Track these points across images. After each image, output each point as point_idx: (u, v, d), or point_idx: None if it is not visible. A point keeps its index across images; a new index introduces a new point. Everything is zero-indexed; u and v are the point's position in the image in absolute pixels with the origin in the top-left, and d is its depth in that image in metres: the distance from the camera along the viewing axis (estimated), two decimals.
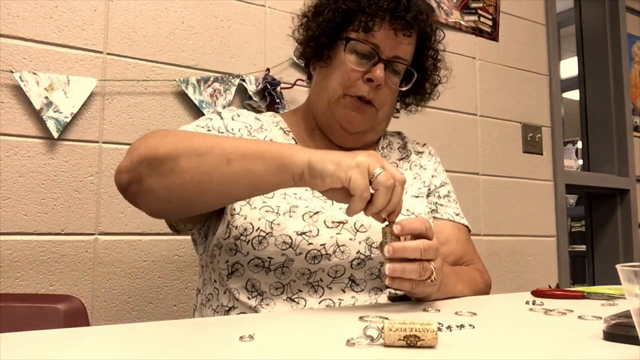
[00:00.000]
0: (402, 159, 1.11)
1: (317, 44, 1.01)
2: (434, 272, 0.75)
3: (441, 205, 1.08)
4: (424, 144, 1.17)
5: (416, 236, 0.75)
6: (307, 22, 1.04)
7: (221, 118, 1.00)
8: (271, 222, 0.87)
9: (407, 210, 0.98)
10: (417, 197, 1.03)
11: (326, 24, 1.00)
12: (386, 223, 0.74)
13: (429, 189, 1.08)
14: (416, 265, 0.72)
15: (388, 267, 0.72)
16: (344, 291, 0.90)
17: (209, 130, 0.96)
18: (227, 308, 0.90)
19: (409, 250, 0.72)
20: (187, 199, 0.83)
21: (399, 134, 1.17)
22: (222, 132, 0.97)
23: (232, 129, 0.99)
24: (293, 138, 1.04)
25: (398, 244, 0.72)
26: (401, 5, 0.96)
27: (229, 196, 0.85)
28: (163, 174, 0.79)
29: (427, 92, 1.09)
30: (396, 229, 0.73)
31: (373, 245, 0.90)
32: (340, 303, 0.89)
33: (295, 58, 1.64)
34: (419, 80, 1.05)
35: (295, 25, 1.06)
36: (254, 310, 0.87)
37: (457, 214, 1.09)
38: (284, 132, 1.05)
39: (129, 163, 0.82)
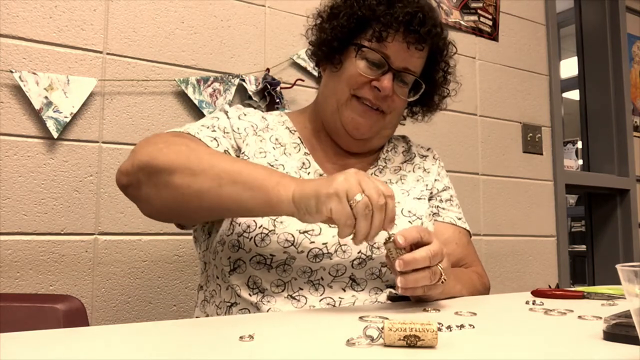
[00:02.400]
0: (405, 161, 1.11)
1: (329, 48, 1.01)
2: (443, 274, 0.76)
3: (443, 209, 1.08)
4: (428, 148, 1.17)
5: (416, 244, 0.75)
6: (321, 24, 1.04)
7: (228, 117, 1.00)
8: (274, 220, 0.88)
9: (409, 212, 0.99)
10: (419, 199, 1.03)
11: (340, 29, 0.99)
12: (385, 237, 0.75)
13: (431, 193, 1.08)
14: (427, 272, 0.74)
15: (400, 280, 0.73)
16: (344, 290, 0.90)
17: (214, 130, 0.96)
18: (229, 304, 0.91)
19: (419, 261, 0.73)
20: (179, 212, 0.87)
21: (403, 137, 1.18)
22: (227, 132, 0.98)
23: (238, 129, 0.99)
24: (299, 137, 1.04)
25: (408, 257, 0.73)
26: (417, 19, 0.95)
27: (220, 215, 0.91)
28: (158, 185, 0.82)
29: (436, 104, 1.09)
30: (400, 239, 0.73)
31: (374, 245, 0.91)
32: (340, 302, 0.89)
33: (294, 59, 1.64)
34: (428, 92, 1.05)
35: (309, 25, 1.06)
36: (256, 306, 0.88)
37: (459, 218, 1.10)
38: (290, 131, 1.05)
39: (129, 166, 0.84)
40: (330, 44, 1.00)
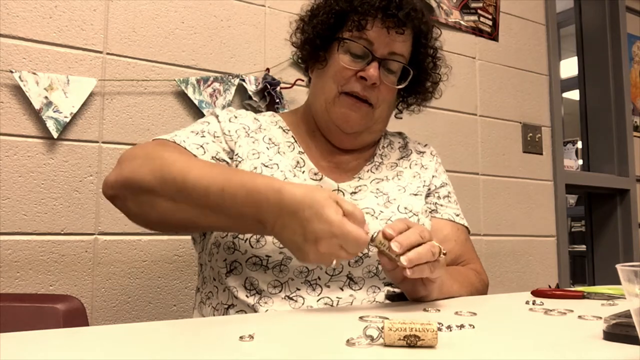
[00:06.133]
0: (402, 157, 1.11)
1: (312, 46, 1.02)
2: (441, 248, 0.77)
3: (441, 205, 1.08)
4: (426, 145, 1.17)
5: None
6: (303, 26, 1.05)
7: (218, 121, 1.00)
8: None
9: (406, 208, 0.99)
10: (415, 195, 1.03)
11: (320, 26, 1.00)
12: (371, 236, 0.75)
13: (429, 189, 1.08)
14: (426, 245, 0.75)
15: (403, 259, 0.73)
16: (342, 289, 0.90)
17: (203, 136, 0.96)
18: (226, 306, 0.91)
19: (412, 237, 0.74)
20: (165, 230, 0.92)
21: (400, 134, 1.17)
22: (218, 136, 0.98)
23: (229, 131, 0.99)
24: (292, 136, 1.04)
25: (401, 236, 0.74)
26: (393, 3, 0.96)
27: (206, 231, 0.95)
28: (143, 203, 0.83)
29: (429, 91, 1.09)
30: (390, 231, 0.74)
31: (370, 243, 0.90)
32: (338, 301, 0.89)
33: (294, 59, 1.64)
34: (419, 79, 1.05)
35: (292, 30, 1.07)
36: (253, 308, 0.88)
37: (457, 215, 1.09)
38: (283, 130, 1.05)
39: (114, 180, 0.85)
40: (313, 42, 1.01)
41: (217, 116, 1.02)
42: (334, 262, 0.72)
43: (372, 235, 0.75)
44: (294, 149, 1.02)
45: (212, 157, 0.95)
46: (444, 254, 0.78)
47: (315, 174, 0.99)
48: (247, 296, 0.88)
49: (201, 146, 0.94)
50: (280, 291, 0.88)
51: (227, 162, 0.97)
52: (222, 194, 0.77)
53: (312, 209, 0.71)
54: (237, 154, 0.97)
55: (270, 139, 1.01)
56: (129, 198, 0.85)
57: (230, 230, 0.87)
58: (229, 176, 0.79)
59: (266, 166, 0.96)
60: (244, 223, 0.78)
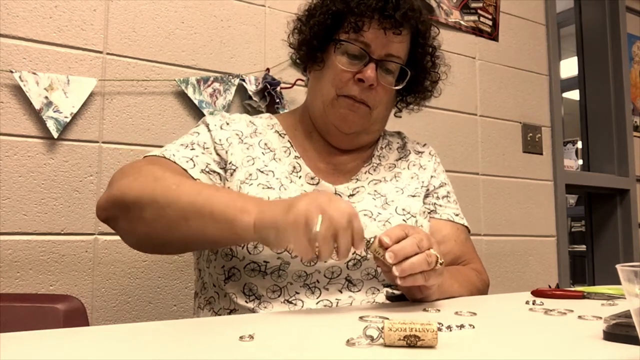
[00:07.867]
0: (400, 158, 1.10)
1: (309, 47, 1.01)
2: (439, 257, 0.76)
3: (440, 205, 1.08)
4: (424, 144, 1.16)
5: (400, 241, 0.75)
6: (300, 27, 1.04)
7: (208, 130, 0.99)
8: None
9: (404, 209, 0.99)
10: (413, 196, 1.03)
11: (317, 27, 1.00)
12: (367, 241, 0.74)
13: (428, 189, 1.08)
14: (421, 255, 0.73)
15: (396, 269, 0.72)
16: (341, 292, 0.90)
17: (193, 148, 0.95)
18: (228, 311, 0.91)
19: (407, 248, 0.73)
20: (155, 245, 0.88)
21: (399, 134, 1.17)
22: (207, 147, 0.96)
23: (220, 140, 0.97)
24: (289, 140, 1.04)
25: (396, 247, 0.72)
26: (390, 4, 0.95)
27: (193, 248, 0.95)
28: (132, 220, 0.83)
29: (428, 90, 1.08)
30: (386, 239, 0.73)
31: (366, 250, 0.90)
32: (337, 303, 0.89)
33: (292, 61, 1.64)
34: (418, 79, 1.04)
35: (289, 30, 1.06)
36: (253, 312, 0.88)
37: (457, 214, 1.09)
38: (280, 134, 1.04)
39: (104, 202, 0.86)
40: (310, 43, 1.01)
41: (207, 125, 1.00)
42: (318, 223, 0.67)
43: (369, 240, 0.74)
44: (290, 154, 1.01)
45: (202, 169, 0.93)
46: (441, 264, 0.76)
47: (312, 178, 0.99)
48: (246, 302, 0.89)
49: (191, 159, 0.93)
50: (279, 296, 0.88)
51: (219, 173, 0.95)
52: (211, 197, 0.78)
53: (300, 195, 0.74)
54: (230, 162, 0.96)
55: (265, 143, 1.01)
56: (120, 217, 0.84)
57: (207, 237, 0.81)
58: (219, 188, 0.83)
59: (262, 172, 0.95)
60: (230, 219, 0.74)
